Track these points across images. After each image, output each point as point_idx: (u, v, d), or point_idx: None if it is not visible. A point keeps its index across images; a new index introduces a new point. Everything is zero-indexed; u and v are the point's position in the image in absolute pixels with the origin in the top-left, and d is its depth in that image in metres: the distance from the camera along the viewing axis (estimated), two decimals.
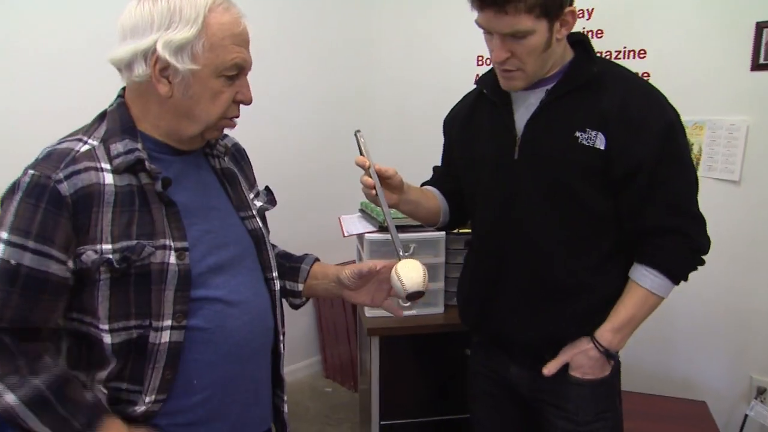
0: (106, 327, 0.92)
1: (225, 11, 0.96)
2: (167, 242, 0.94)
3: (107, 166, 0.93)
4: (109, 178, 0.92)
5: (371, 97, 3.18)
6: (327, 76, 2.99)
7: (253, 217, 1.13)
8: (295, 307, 1.27)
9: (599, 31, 2.40)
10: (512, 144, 1.28)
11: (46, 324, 0.91)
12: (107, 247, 0.91)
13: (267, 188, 1.26)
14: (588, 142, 1.20)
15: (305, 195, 2.97)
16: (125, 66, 0.95)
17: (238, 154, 1.22)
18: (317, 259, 1.29)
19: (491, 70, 1.33)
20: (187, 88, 0.95)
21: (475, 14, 1.18)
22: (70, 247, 0.90)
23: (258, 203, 1.18)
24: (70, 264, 0.90)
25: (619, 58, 2.36)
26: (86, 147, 0.94)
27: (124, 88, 1.02)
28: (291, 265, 1.25)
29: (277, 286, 1.14)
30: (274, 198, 1.25)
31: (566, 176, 1.23)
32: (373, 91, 3.19)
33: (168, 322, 0.94)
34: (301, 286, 1.24)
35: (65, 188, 0.89)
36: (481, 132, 1.37)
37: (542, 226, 1.27)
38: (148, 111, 0.99)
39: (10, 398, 0.86)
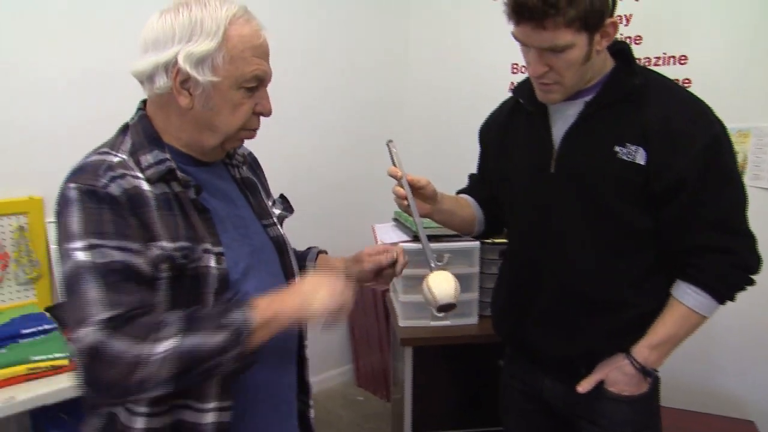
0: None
1: (245, 23, 0.97)
2: (207, 246, 0.96)
3: (140, 175, 0.95)
4: (145, 185, 0.94)
5: (405, 105, 3.19)
6: (361, 83, 3.01)
7: (275, 224, 1.15)
8: None
9: (638, 37, 2.35)
10: (549, 157, 1.26)
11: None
12: (168, 245, 0.92)
13: (282, 196, 1.27)
14: (627, 157, 1.17)
15: (339, 203, 2.99)
16: (147, 78, 0.97)
17: (254, 163, 1.23)
18: (319, 252, 1.30)
19: (528, 79, 1.32)
20: (207, 99, 0.96)
21: (510, 24, 1.16)
22: (143, 239, 0.90)
23: (276, 211, 1.20)
24: (149, 253, 0.90)
25: (659, 65, 2.31)
26: (117, 159, 0.95)
27: (144, 101, 1.04)
28: (298, 264, 1.25)
29: None
30: (291, 205, 1.26)
31: (604, 191, 1.20)
32: (406, 99, 3.19)
33: None
34: None
35: (114, 189, 0.90)
36: (517, 142, 1.35)
37: (578, 241, 1.24)
38: (169, 123, 1.00)
39: (169, 343, 0.83)
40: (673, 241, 1.21)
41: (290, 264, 1.15)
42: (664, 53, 2.31)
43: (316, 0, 2.76)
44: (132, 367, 0.82)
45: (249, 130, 1.03)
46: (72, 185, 0.90)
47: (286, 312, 0.93)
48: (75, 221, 0.88)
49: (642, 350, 1.23)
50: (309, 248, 1.31)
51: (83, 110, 2.06)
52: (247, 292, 1.00)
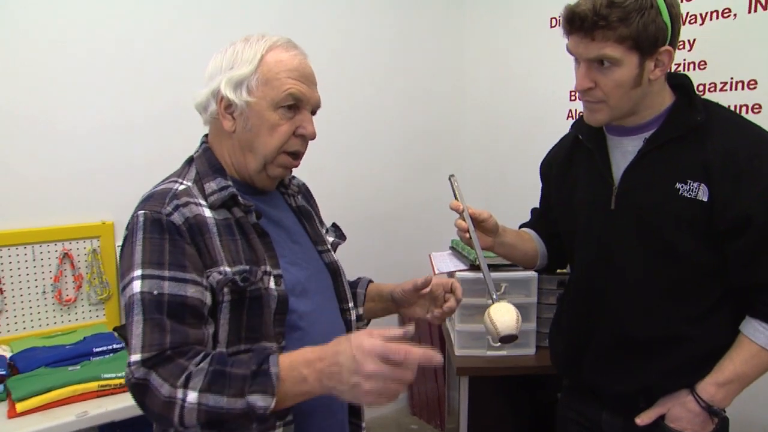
0: (224, 351, 1.00)
1: (283, 50, 1.07)
2: (267, 269, 1.04)
3: (204, 202, 1.04)
4: (208, 212, 1.03)
5: (462, 133, 3.24)
6: (417, 110, 3.07)
7: (329, 250, 1.22)
8: (358, 330, 1.32)
9: (702, 63, 2.32)
10: (609, 194, 1.28)
11: (202, 345, 0.96)
12: (228, 269, 1.00)
13: (334, 224, 1.35)
14: (689, 194, 1.17)
15: (396, 230, 3.04)
16: (203, 108, 1.10)
17: (308, 194, 1.32)
18: (371, 281, 1.36)
19: None
20: (246, 121, 1.06)
21: (564, 37, 1.20)
22: (201, 268, 0.99)
23: (330, 238, 1.27)
24: (206, 283, 0.98)
25: (725, 90, 2.26)
26: (183, 187, 1.06)
27: (206, 135, 1.15)
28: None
29: (353, 317, 1.22)
30: (343, 233, 1.33)
31: (665, 228, 1.21)
32: (463, 127, 3.24)
33: (273, 345, 1.02)
34: (361, 310, 1.32)
35: (177, 219, 0.98)
36: (578, 179, 1.37)
37: (640, 277, 1.25)
38: (223, 149, 1.11)
39: (193, 396, 0.88)
40: (740, 277, 1.20)
41: (343, 289, 1.22)
42: (731, 78, 2.26)
43: (375, 30, 2.86)
44: (170, 406, 0.89)
45: (290, 153, 1.10)
46: (141, 212, 1.00)
47: (316, 391, 0.90)
48: (138, 249, 0.97)
49: (708, 388, 1.21)
50: (359, 278, 1.37)
51: (152, 143, 2.24)
52: (303, 314, 1.07)
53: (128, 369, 0.92)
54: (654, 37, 1.12)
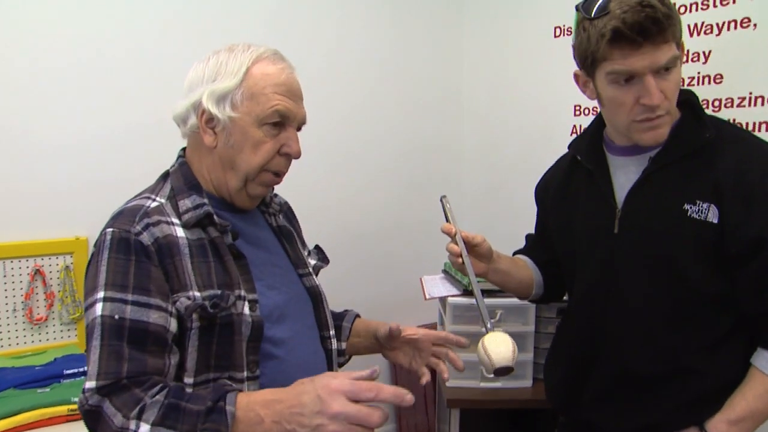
0: (191, 381, 0.98)
1: (270, 63, 1.06)
2: (241, 293, 1.02)
3: (177, 221, 1.02)
4: (180, 232, 1.01)
5: (459, 148, 3.19)
6: (411, 124, 3.01)
7: (310, 274, 1.21)
8: (339, 365, 1.30)
9: (718, 76, 2.27)
10: (612, 217, 1.25)
11: (161, 375, 0.94)
12: (198, 294, 0.98)
13: (317, 246, 1.34)
14: (698, 216, 1.15)
15: (385, 251, 2.98)
16: (182, 120, 1.08)
17: (290, 213, 1.31)
18: (358, 315, 1.34)
19: (583, 134, 1.32)
20: (228, 136, 1.04)
21: (614, 62, 1.12)
22: (167, 293, 0.97)
23: (312, 261, 1.25)
24: (171, 308, 0.96)
25: (743, 106, 2.21)
26: (155, 203, 1.04)
27: (183, 149, 1.14)
28: (333, 323, 1.29)
29: (334, 345, 1.20)
30: (326, 256, 1.32)
31: (673, 253, 1.18)
32: (461, 141, 3.20)
33: (244, 374, 1.00)
34: (344, 345, 1.30)
35: (146, 238, 0.97)
36: (577, 202, 1.35)
37: (645, 306, 1.23)
38: (202, 165, 1.09)
39: (145, 428, 0.86)
40: (752, 305, 1.17)
41: (325, 315, 1.20)
42: (750, 93, 2.21)
43: (369, 38, 2.84)
44: None
45: (273, 172, 1.09)
46: (109, 230, 0.99)
47: None
48: (103, 270, 0.96)
49: (719, 425, 1.17)
50: (345, 310, 1.35)
51: (129, 157, 2.22)
52: (280, 341, 1.05)
53: (82, 395, 0.91)
54: (680, 29, 1.11)
